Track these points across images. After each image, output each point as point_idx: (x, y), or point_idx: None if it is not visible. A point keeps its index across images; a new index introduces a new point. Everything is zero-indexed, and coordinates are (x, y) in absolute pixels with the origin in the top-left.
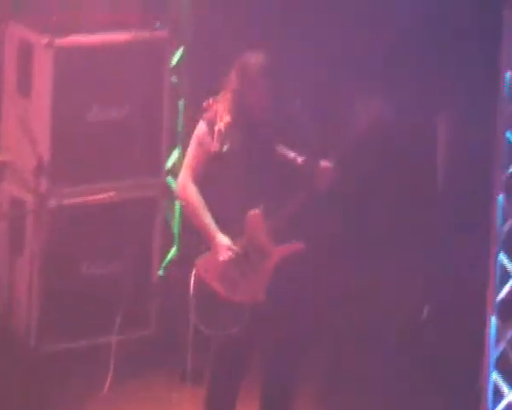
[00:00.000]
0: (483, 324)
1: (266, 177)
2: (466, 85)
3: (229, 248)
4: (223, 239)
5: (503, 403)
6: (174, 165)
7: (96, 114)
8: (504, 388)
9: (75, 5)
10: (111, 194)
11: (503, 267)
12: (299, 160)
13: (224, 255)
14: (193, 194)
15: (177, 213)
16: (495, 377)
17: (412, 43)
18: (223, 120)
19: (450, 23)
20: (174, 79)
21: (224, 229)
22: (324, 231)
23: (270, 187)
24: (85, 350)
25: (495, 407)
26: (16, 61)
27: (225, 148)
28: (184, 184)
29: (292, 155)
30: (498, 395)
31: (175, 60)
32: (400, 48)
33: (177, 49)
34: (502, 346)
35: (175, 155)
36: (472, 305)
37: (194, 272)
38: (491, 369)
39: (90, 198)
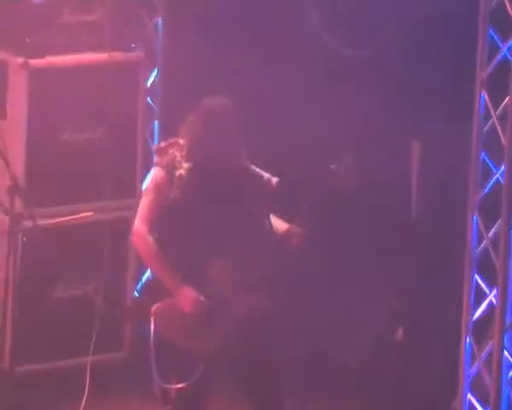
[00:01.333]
0: (458, 344)
1: (232, 226)
2: (438, 110)
3: (198, 301)
4: (190, 291)
5: None
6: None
7: (71, 135)
8: (480, 408)
9: (49, 27)
10: (87, 214)
11: (478, 288)
12: (274, 181)
13: (191, 307)
14: (152, 245)
15: None
16: (470, 397)
17: (383, 68)
18: (183, 166)
19: (421, 48)
20: (149, 100)
21: (184, 281)
22: (293, 284)
23: (235, 237)
24: (60, 372)
25: None
26: None
27: (186, 196)
28: (141, 234)
29: (266, 175)
30: None
31: (149, 81)
32: (371, 73)
33: (151, 70)
34: (476, 367)
35: (150, 175)
36: (446, 324)
37: (152, 320)
38: (466, 390)
39: (65, 219)
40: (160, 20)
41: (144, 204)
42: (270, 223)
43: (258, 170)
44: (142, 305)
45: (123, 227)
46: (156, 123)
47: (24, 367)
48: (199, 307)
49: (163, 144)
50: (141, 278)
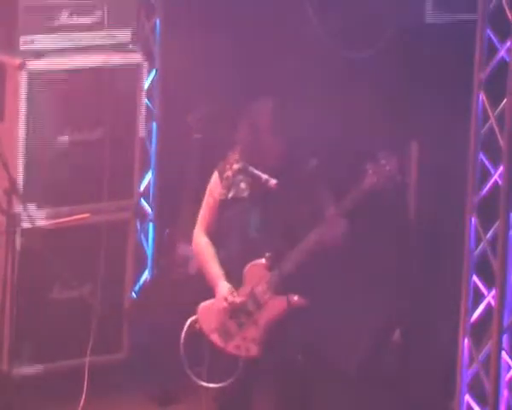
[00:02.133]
0: (456, 345)
1: (272, 225)
2: (436, 112)
3: (226, 298)
4: (223, 288)
5: None
6: (147, 188)
7: (69, 137)
8: None
9: (48, 28)
10: (85, 215)
11: (476, 289)
12: (272, 183)
13: (220, 304)
14: (202, 245)
15: (150, 236)
16: (468, 398)
17: (381, 69)
18: (232, 168)
19: (421, 49)
20: (147, 101)
21: (229, 278)
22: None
23: (276, 236)
24: (58, 374)
25: None
26: None
27: (231, 194)
28: (196, 235)
29: (264, 177)
30: None
31: (147, 82)
32: (369, 73)
33: (149, 71)
34: (474, 368)
35: (148, 177)
36: (444, 325)
37: (194, 318)
38: (464, 391)
39: (63, 220)
40: (158, 21)
41: (202, 208)
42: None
43: (256, 171)
44: (140, 306)
45: (121, 228)
46: (154, 124)
47: (22, 369)
48: (226, 304)
49: (230, 152)
50: (139, 280)
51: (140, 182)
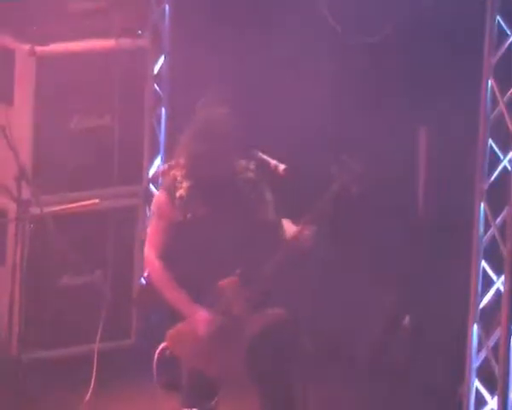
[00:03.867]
0: (465, 331)
1: (238, 240)
2: (445, 98)
3: (210, 321)
4: (202, 312)
5: None
6: (156, 173)
7: (78, 122)
8: (486, 395)
9: (57, 14)
10: (93, 201)
11: (485, 275)
12: (281, 168)
13: (204, 328)
14: (160, 270)
15: None
16: (477, 384)
17: (392, 55)
18: (183, 186)
19: (430, 35)
20: (156, 86)
21: (197, 301)
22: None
23: (243, 251)
24: (67, 360)
25: None
26: None
27: (189, 215)
28: (150, 260)
29: (273, 162)
30: (480, 403)
31: (156, 68)
32: (379, 61)
33: (158, 57)
34: (484, 354)
35: (157, 162)
36: (454, 311)
37: (164, 346)
38: (473, 377)
39: (72, 206)
40: (167, 7)
41: (150, 229)
42: (279, 224)
43: (264, 157)
44: (150, 292)
45: (130, 214)
46: (163, 110)
47: (31, 355)
48: (213, 328)
49: (166, 166)
50: None
51: (149, 167)
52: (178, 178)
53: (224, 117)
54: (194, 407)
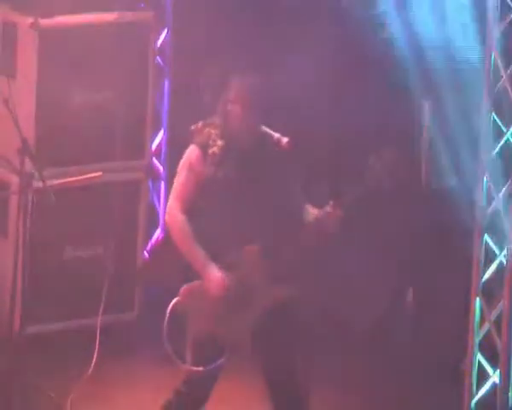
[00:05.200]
0: (467, 305)
1: (263, 209)
2: (449, 74)
3: (224, 284)
4: (217, 273)
5: (488, 384)
6: (159, 147)
7: (81, 95)
8: (488, 369)
9: None
10: (96, 175)
11: (488, 249)
12: (284, 141)
13: (217, 290)
14: (182, 224)
15: (162, 195)
16: (479, 358)
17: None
18: (217, 144)
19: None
20: (158, 60)
21: (214, 262)
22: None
23: (268, 221)
24: (70, 333)
25: (479, 388)
26: (1, 42)
27: (220, 174)
28: (173, 214)
29: (276, 135)
30: (483, 377)
31: (159, 41)
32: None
33: (161, 30)
34: (486, 327)
35: (160, 136)
36: (456, 286)
37: (177, 301)
38: (476, 350)
39: (75, 179)
40: None
41: (178, 183)
42: (303, 205)
43: (267, 130)
44: (152, 265)
45: (133, 188)
46: (166, 83)
47: (34, 328)
48: (225, 291)
49: (200, 124)
50: (151, 239)
51: (152, 141)
52: (213, 136)
53: (257, 82)
54: (200, 366)
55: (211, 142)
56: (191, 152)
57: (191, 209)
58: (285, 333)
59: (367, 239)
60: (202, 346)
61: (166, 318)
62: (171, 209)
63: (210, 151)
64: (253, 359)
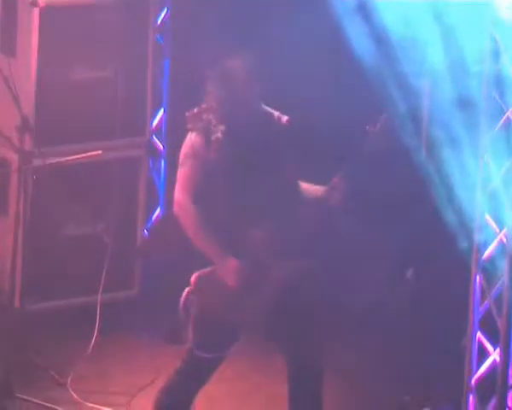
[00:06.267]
0: (467, 282)
1: (268, 190)
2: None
3: (241, 272)
4: (234, 262)
5: (488, 362)
6: (159, 124)
7: (81, 74)
8: (489, 347)
9: None
10: (96, 153)
11: (489, 228)
12: (284, 119)
13: (234, 279)
14: (195, 214)
15: (162, 173)
16: (479, 335)
17: None
18: (219, 129)
19: None
20: (158, 38)
21: (224, 248)
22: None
23: (274, 203)
24: (70, 310)
25: (480, 365)
26: (1, 19)
27: (226, 158)
28: (183, 205)
29: (276, 114)
30: (483, 354)
31: (159, 19)
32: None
33: (161, 7)
34: (486, 305)
35: (160, 114)
36: (456, 264)
37: (189, 290)
38: (476, 328)
39: (75, 157)
40: None
41: (183, 172)
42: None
43: (267, 108)
44: (152, 243)
45: (133, 165)
46: (166, 61)
47: (34, 305)
48: (242, 279)
49: (196, 110)
50: (151, 217)
51: (152, 119)
52: (213, 121)
53: (252, 63)
54: (209, 354)
55: (212, 127)
56: (194, 140)
57: (200, 198)
58: (300, 311)
59: (368, 215)
60: (214, 333)
61: (180, 308)
62: (180, 201)
63: (213, 137)
64: (269, 341)
